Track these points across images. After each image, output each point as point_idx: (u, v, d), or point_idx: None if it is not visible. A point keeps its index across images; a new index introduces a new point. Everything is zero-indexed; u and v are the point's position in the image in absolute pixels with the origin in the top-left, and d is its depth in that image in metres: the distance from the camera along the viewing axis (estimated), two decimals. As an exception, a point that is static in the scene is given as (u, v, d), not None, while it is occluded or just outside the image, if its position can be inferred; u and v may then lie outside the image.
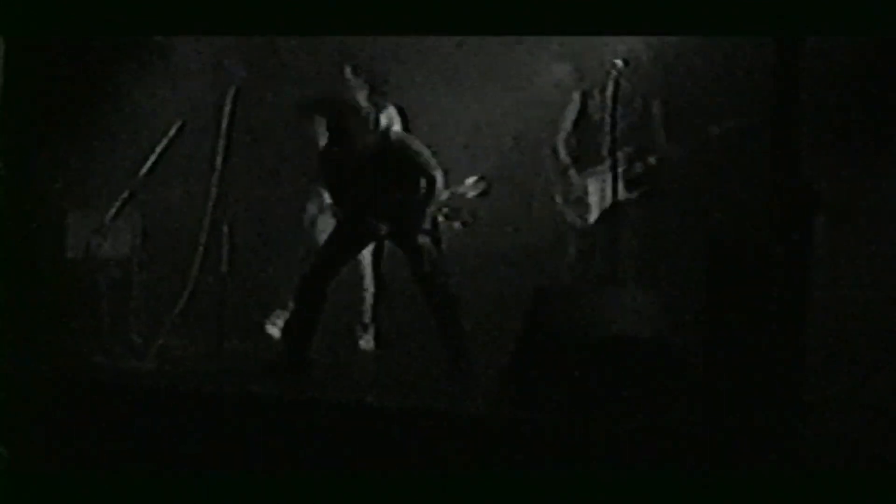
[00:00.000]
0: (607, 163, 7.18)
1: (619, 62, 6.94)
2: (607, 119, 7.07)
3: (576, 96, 7.68)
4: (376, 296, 7.94)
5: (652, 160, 7.39)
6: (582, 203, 7.59)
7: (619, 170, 7.12)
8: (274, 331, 8.09)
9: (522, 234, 8.28)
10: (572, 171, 7.65)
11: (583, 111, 7.64)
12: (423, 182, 6.76)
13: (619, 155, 7.12)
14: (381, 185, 6.76)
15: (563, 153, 7.73)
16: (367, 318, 8.05)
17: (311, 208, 8.13)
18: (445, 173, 6.82)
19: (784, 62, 5.43)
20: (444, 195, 6.82)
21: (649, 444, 5.09)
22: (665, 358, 5.66)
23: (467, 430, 5.40)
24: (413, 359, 7.57)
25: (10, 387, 6.25)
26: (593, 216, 7.57)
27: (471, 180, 7.18)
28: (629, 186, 7.40)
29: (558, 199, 7.72)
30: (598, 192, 7.52)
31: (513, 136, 8.28)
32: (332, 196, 7.14)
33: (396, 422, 5.53)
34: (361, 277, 7.88)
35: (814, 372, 5.43)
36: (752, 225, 6.30)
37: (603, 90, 7.22)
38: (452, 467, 5.25)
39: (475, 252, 8.08)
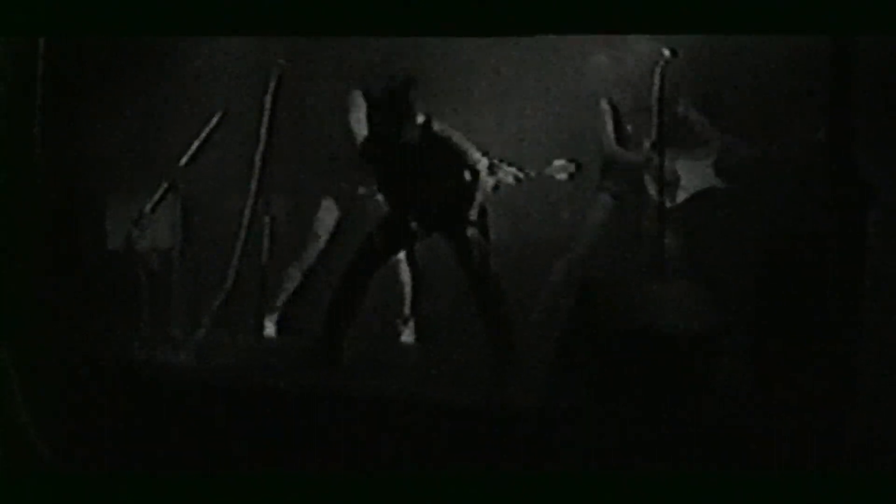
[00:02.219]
0: (654, 158, 7.18)
1: (666, 52, 6.86)
2: (654, 112, 7.00)
3: (604, 106, 7.69)
4: (415, 287, 7.90)
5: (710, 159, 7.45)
6: (673, 187, 7.58)
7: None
8: (271, 329, 8.04)
9: (569, 226, 8.21)
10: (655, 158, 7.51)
11: (617, 123, 7.68)
12: (467, 173, 6.71)
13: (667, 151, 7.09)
14: (426, 177, 6.73)
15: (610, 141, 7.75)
16: (406, 311, 7.99)
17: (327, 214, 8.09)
18: (490, 164, 6.78)
19: (839, 57, 5.37)
20: (490, 184, 6.78)
21: (697, 442, 5.01)
22: (714, 354, 5.58)
23: (512, 424, 5.34)
24: (455, 352, 7.49)
25: (49, 381, 6.18)
26: (680, 198, 7.62)
27: (560, 162, 7.16)
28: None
29: (651, 190, 7.58)
30: (690, 179, 7.55)
31: (559, 127, 8.14)
32: (379, 188, 7.12)
33: (438, 417, 5.48)
34: (396, 270, 7.82)
35: (867, 371, 5.33)
36: (805, 219, 6.46)
37: (650, 82, 7.11)
38: (496, 463, 5.20)
39: (521, 244, 8.09)
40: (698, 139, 7.50)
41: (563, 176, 7.15)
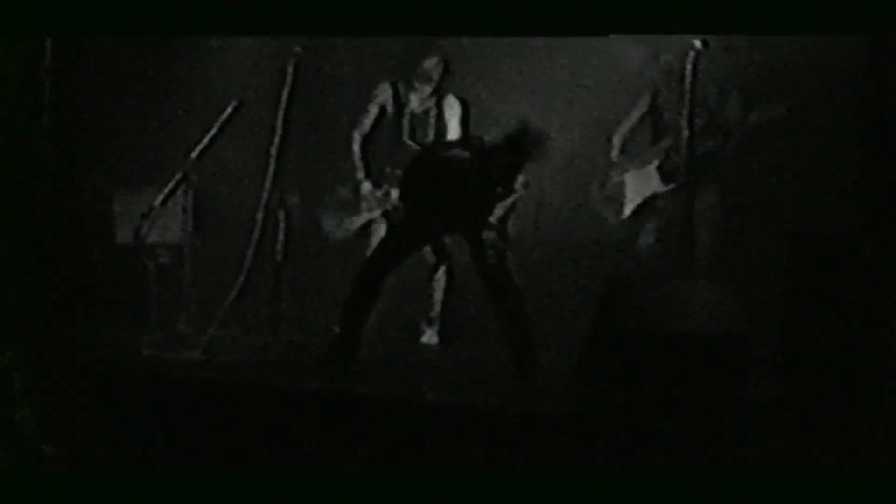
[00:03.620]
0: (682, 149, 7.02)
1: (697, 43, 6.74)
2: (686, 104, 6.88)
3: (645, 97, 7.63)
4: (447, 289, 7.88)
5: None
6: (616, 199, 7.60)
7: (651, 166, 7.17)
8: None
9: (591, 225, 8.10)
10: (615, 169, 7.66)
11: (651, 110, 7.60)
12: (481, 176, 6.61)
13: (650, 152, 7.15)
14: (441, 180, 6.65)
15: (616, 148, 7.72)
16: (434, 312, 7.95)
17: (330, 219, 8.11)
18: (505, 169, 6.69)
19: (874, 56, 5.40)
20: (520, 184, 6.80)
21: (726, 446, 4.95)
22: (743, 357, 5.48)
23: (533, 429, 5.25)
24: (478, 355, 7.44)
25: (55, 379, 6.16)
26: (627, 211, 7.57)
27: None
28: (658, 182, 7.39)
29: (593, 192, 7.73)
30: (635, 188, 7.49)
31: (582, 121, 8.13)
32: (398, 187, 7.13)
33: (459, 421, 5.41)
34: (431, 269, 7.80)
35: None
36: (836, 218, 6.68)
37: (681, 75, 7.00)
38: (517, 467, 5.12)
39: (542, 244, 8.05)
40: (729, 134, 7.35)
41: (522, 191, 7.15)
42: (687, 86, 6.79)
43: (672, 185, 7.29)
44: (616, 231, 7.84)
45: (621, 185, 7.60)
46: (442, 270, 7.78)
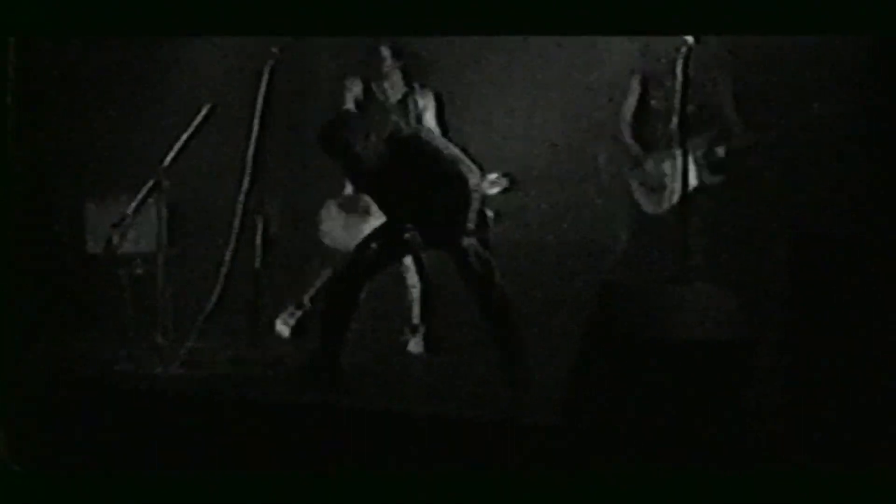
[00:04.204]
0: (675, 149, 6.94)
1: (689, 38, 6.56)
2: (676, 103, 6.69)
3: (634, 83, 7.60)
4: (424, 293, 7.80)
5: (720, 151, 7.27)
6: (660, 190, 7.48)
7: (691, 156, 6.95)
8: (284, 329, 7.99)
9: (581, 228, 8.11)
10: (645, 158, 7.56)
11: (643, 97, 7.55)
12: (457, 181, 6.49)
13: (690, 142, 6.81)
14: (415, 188, 6.56)
15: (629, 140, 7.64)
16: (415, 319, 7.87)
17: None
18: (481, 169, 6.62)
19: (877, 56, 5.40)
20: (479, 193, 6.59)
21: (729, 457, 4.89)
22: (744, 364, 5.39)
23: (525, 441, 5.23)
24: (467, 364, 7.36)
25: (25, 395, 6.10)
26: (667, 204, 7.43)
27: (493, 176, 7.11)
28: (704, 174, 7.30)
29: (633, 187, 7.60)
30: (675, 178, 7.32)
31: (567, 125, 8.12)
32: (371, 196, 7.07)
33: (447, 433, 5.39)
34: (404, 275, 7.76)
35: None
36: (840, 217, 6.64)
37: (672, 70, 6.84)
38: (507, 480, 5.02)
39: (530, 248, 8.00)
40: (720, 130, 7.33)
41: (495, 190, 7.12)
42: (679, 79, 6.62)
43: (719, 178, 7.26)
44: (610, 233, 7.81)
45: (662, 174, 7.48)
46: (415, 273, 7.77)
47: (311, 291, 7.93)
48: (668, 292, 5.81)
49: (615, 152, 7.71)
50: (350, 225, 7.77)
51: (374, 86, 7.75)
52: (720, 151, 7.25)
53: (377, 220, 7.28)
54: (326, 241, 7.88)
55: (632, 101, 7.62)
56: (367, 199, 7.46)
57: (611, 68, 7.92)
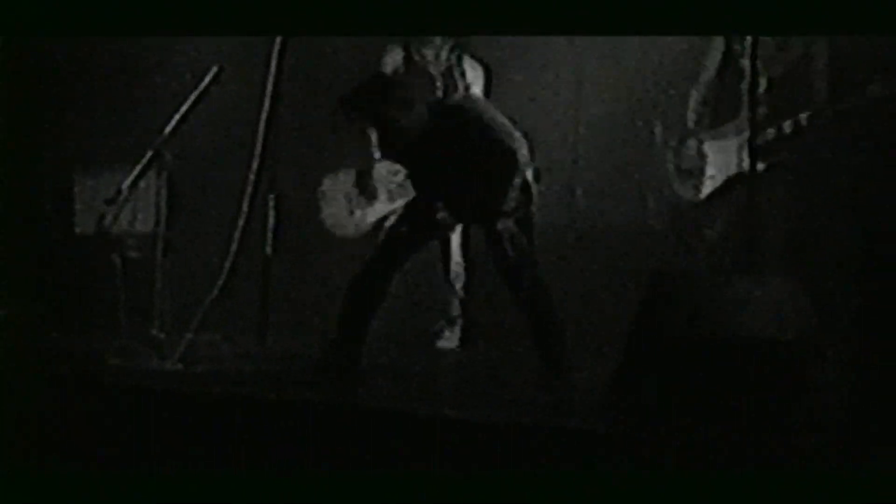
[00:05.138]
0: (744, 125, 6.63)
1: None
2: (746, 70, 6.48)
3: (718, 42, 7.18)
4: (467, 285, 7.64)
5: (803, 118, 6.77)
6: (694, 175, 7.20)
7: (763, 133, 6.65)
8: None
9: (630, 213, 7.94)
10: (692, 139, 7.23)
11: (726, 61, 7.14)
12: (505, 155, 6.33)
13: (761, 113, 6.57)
14: (456, 160, 6.36)
15: (692, 115, 7.25)
16: (454, 311, 7.69)
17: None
18: (530, 146, 6.44)
19: None
20: (529, 168, 6.44)
21: (791, 462, 4.56)
22: (811, 363, 5.16)
23: (565, 447, 4.89)
24: (502, 362, 7.23)
25: (11, 392, 5.90)
26: (706, 190, 7.15)
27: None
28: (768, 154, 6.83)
29: (669, 168, 7.35)
30: (718, 163, 7.08)
31: (615, 104, 7.92)
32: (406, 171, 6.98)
33: (478, 436, 5.03)
34: (446, 265, 7.60)
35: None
36: None
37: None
38: (545, 488, 4.73)
39: (574, 235, 7.75)
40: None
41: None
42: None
43: (766, 166, 6.85)
44: (662, 218, 7.67)
45: (702, 158, 7.20)
46: (461, 262, 7.63)
47: None
48: (727, 284, 5.60)
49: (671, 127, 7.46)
50: (356, 207, 7.67)
51: (414, 53, 7.58)
52: (803, 119, 6.81)
53: (383, 205, 7.30)
54: (328, 224, 7.78)
55: (711, 69, 7.22)
56: (374, 182, 7.41)
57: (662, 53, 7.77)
